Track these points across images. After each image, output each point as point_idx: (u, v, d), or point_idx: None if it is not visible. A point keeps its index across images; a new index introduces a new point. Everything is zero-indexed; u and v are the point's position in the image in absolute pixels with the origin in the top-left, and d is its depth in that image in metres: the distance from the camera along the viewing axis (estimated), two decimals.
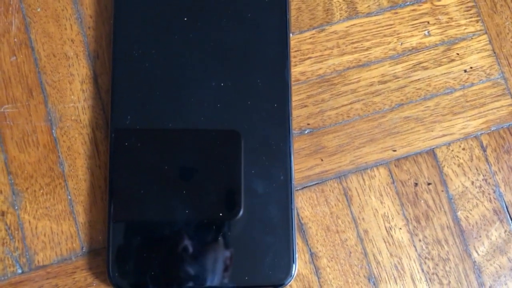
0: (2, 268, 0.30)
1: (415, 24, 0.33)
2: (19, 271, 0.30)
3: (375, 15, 0.33)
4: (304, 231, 0.31)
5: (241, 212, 0.30)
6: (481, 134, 0.33)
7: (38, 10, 0.32)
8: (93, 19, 0.32)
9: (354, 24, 0.33)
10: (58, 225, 0.31)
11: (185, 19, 0.31)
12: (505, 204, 0.32)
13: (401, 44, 0.33)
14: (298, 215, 0.31)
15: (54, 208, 0.31)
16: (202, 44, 0.31)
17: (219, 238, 0.29)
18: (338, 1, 0.33)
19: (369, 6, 0.33)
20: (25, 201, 0.31)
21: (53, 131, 0.31)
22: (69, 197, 0.31)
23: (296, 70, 0.33)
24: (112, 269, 0.29)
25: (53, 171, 0.31)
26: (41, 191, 0.31)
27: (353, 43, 0.33)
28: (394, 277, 0.31)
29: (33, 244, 0.30)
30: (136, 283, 0.29)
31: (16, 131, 0.31)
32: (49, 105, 0.32)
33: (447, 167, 0.32)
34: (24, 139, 0.31)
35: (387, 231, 0.31)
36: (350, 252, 0.31)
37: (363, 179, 0.32)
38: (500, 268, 0.31)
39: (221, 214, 0.30)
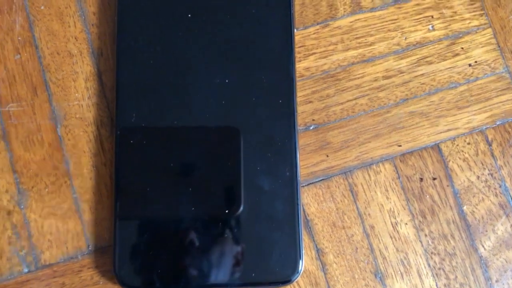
0: (9, 267, 0.30)
1: (419, 18, 0.33)
2: (26, 270, 0.30)
3: (379, 10, 0.33)
4: (310, 227, 0.31)
5: (247, 209, 0.30)
6: (486, 128, 0.33)
7: (42, 8, 0.32)
8: (97, 16, 0.32)
9: (358, 19, 0.33)
10: (64, 223, 0.30)
11: (189, 15, 0.31)
12: (511, 199, 0.32)
13: (405, 38, 0.33)
14: (304, 211, 0.31)
15: (59, 206, 0.31)
16: (206, 40, 0.31)
17: (226, 235, 0.29)
18: None
19: (373, 1, 0.33)
20: (30, 200, 0.31)
21: (58, 129, 0.31)
22: (75, 195, 0.31)
23: (300, 66, 0.32)
24: (119, 267, 0.29)
25: (58, 169, 0.31)
26: (47, 189, 0.31)
27: (357, 38, 0.33)
28: (401, 273, 0.31)
29: (39, 242, 0.30)
30: (142, 281, 0.29)
31: (21, 129, 0.31)
32: (54, 103, 0.31)
33: (452, 161, 0.32)
34: (29, 137, 0.31)
35: (393, 227, 0.31)
36: (357, 248, 0.31)
37: (369, 175, 0.32)
38: (507, 262, 0.31)
39: (227, 211, 0.30)
